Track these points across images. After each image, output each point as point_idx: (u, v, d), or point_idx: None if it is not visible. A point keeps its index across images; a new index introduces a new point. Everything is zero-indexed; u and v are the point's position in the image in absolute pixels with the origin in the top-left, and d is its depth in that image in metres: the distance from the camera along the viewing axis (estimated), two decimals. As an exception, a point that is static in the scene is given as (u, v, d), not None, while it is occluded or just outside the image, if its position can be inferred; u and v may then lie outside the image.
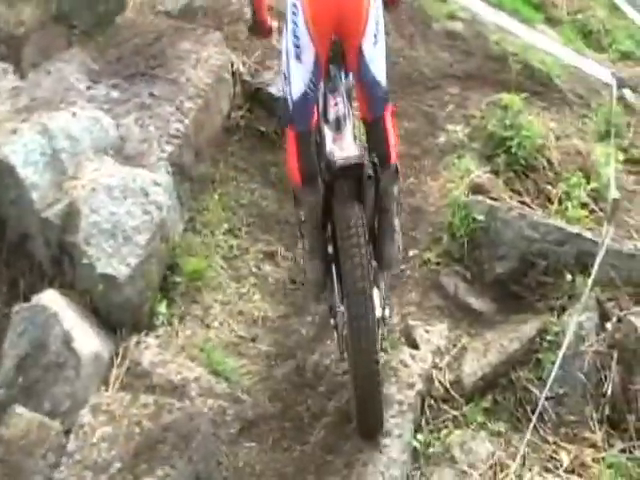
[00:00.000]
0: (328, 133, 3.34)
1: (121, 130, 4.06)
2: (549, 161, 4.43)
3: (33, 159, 3.68)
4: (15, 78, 4.43)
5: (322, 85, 3.33)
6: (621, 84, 5.50)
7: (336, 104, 3.36)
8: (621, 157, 4.66)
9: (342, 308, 3.09)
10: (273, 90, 4.65)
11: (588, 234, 3.83)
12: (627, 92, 5.50)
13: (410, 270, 3.99)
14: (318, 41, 3.04)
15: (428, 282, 3.93)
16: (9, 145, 3.68)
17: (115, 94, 4.31)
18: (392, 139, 3.32)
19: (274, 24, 3.53)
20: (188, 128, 4.12)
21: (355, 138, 3.41)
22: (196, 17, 4.98)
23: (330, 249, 3.24)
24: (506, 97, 4.82)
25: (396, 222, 3.36)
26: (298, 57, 3.05)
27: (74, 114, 3.96)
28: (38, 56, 4.88)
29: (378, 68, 3.15)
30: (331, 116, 3.37)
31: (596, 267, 3.43)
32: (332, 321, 3.31)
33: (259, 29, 3.56)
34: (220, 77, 4.51)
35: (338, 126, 3.36)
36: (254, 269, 3.98)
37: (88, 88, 4.33)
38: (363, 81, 3.19)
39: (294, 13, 3.00)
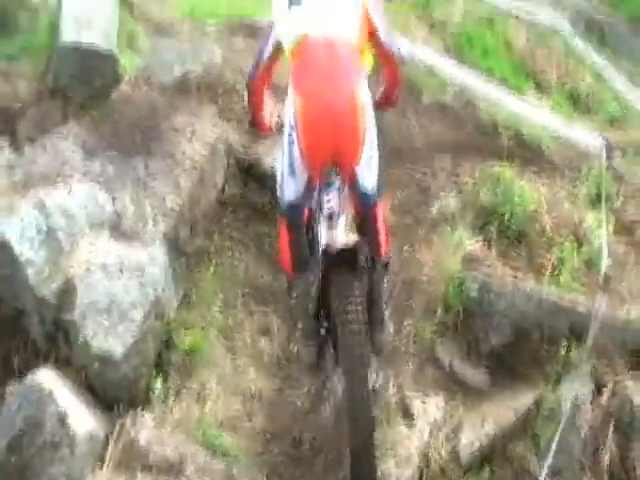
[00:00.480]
0: (323, 225, 3.54)
1: (117, 205, 4.16)
2: (542, 228, 4.56)
3: (29, 235, 3.78)
4: (11, 152, 4.56)
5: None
6: (610, 150, 5.70)
7: (329, 201, 3.55)
8: (612, 223, 4.80)
9: (338, 382, 3.19)
10: (267, 163, 4.80)
11: (581, 304, 3.93)
12: (616, 157, 5.67)
13: (405, 342, 4.07)
14: (311, 168, 3.27)
15: (424, 354, 4.02)
16: (5, 221, 3.78)
17: (111, 168, 4.41)
18: (382, 234, 3.50)
19: (275, 120, 3.71)
20: (183, 203, 4.23)
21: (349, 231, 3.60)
22: (190, 90, 5.11)
23: (323, 331, 3.41)
24: (497, 166, 5.00)
25: (385, 312, 3.57)
26: (292, 174, 3.28)
27: (70, 190, 4.08)
28: (34, 130, 5.01)
29: (370, 180, 3.34)
30: (325, 212, 3.57)
31: (590, 337, 3.53)
32: (325, 392, 3.40)
33: (259, 128, 3.82)
34: (215, 150, 4.65)
35: (331, 220, 3.57)
36: (249, 343, 4.06)
37: (84, 162, 4.43)
38: (355, 193, 3.39)
39: (290, 142, 3.23)
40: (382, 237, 3.50)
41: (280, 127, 3.59)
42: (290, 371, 3.96)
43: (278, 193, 3.44)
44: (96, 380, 3.55)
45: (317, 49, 3.28)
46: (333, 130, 3.18)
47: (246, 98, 3.73)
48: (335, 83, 3.23)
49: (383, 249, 3.48)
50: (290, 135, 3.23)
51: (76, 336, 3.55)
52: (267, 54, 3.51)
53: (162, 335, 3.80)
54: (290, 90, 3.31)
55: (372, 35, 3.45)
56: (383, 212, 3.51)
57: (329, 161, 3.28)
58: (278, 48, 3.46)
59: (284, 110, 3.48)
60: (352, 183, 3.34)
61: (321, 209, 3.54)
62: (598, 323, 3.61)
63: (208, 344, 3.94)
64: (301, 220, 3.46)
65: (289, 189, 3.34)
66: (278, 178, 3.43)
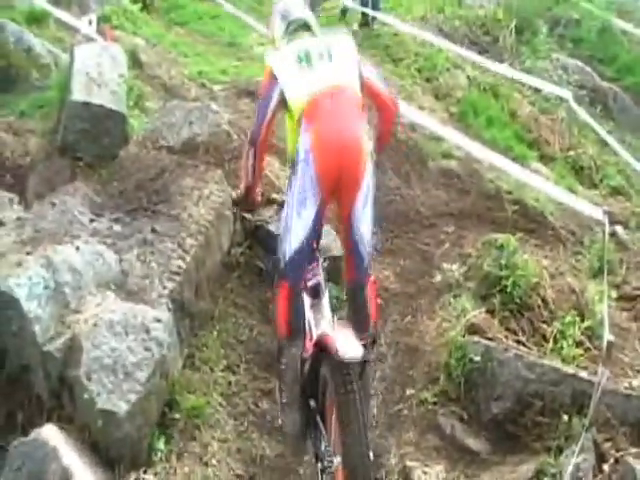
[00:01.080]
0: (306, 299, 3.75)
1: (123, 265, 4.31)
2: (544, 300, 4.70)
3: (37, 292, 3.91)
4: (20, 208, 4.75)
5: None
6: (613, 221, 5.90)
7: (315, 274, 3.82)
8: (614, 294, 4.97)
9: (337, 459, 3.26)
10: (272, 228, 4.97)
11: (584, 374, 4.06)
12: (619, 228, 5.89)
13: (407, 410, 4.20)
14: (323, 189, 3.53)
15: (425, 422, 4.14)
16: (13, 277, 3.89)
17: (118, 228, 4.58)
18: (372, 308, 3.74)
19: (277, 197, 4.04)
20: (189, 265, 4.37)
21: (332, 310, 3.81)
22: (198, 153, 5.33)
23: (313, 403, 3.52)
24: (501, 236, 5.18)
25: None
26: (299, 214, 3.53)
27: (78, 248, 4.22)
28: (42, 186, 5.23)
29: (364, 231, 3.64)
30: (310, 283, 3.80)
31: (592, 408, 3.66)
32: (319, 465, 3.49)
33: (248, 204, 4.11)
34: (221, 214, 4.82)
35: (316, 294, 3.82)
36: (252, 406, 4.17)
37: (91, 221, 4.61)
38: (350, 241, 3.68)
39: (306, 164, 3.51)
40: (371, 311, 3.73)
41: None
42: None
43: (280, 253, 3.65)
44: (99, 438, 3.63)
45: (325, 95, 3.63)
46: (341, 159, 3.54)
47: (249, 161, 3.87)
48: (345, 122, 3.62)
49: (370, 323, 3.70)
50: (305, 160, 3.52)
51: (81, 393, 3.65)
52: (271, 110, 3.76)
53: (166, 395, 3.90)
54: (304, 129, 3.58)
55: (368, 87, 3.86)
56: (377, 285, 3.74)
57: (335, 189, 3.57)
58: (280, 102, 3.74)
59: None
60: (348, 228, 3.63)
61: (306, 283, 3.76)
62: (600, 394, 3.72)
63: (211, 406, 4.05)
64: (300, 282, 3.68)
65: (296, 232, 3.57)
66: (281, 235, 3.65)
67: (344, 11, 10.27)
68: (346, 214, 3.65)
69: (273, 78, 3.73)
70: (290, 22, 3.96)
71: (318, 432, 3.51)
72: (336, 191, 3.61)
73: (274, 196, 4.04)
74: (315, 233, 3.65)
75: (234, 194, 4.35)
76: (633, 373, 4.23)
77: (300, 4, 4.10)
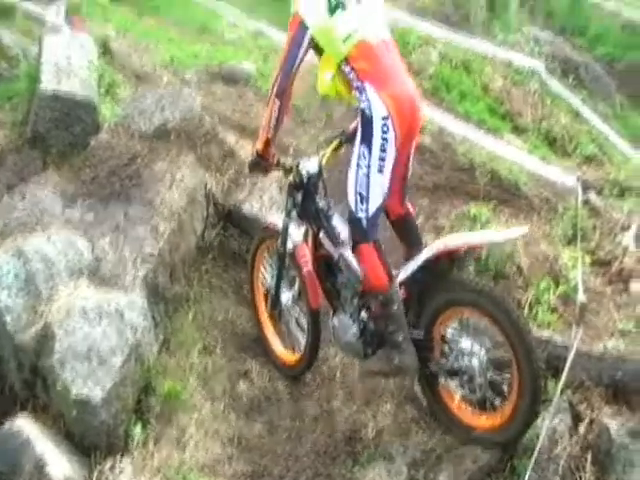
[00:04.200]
0: (348, 252, 3.80)
1: (96, 252, 4.24)
2: (518, 267, 4.67)
3: (7, 282, 3.86)
4: (-10, 200, 4.62)
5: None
6: (586, 188, 5.85)
7: (338, 224, 3.92)
8: (588, 259, 4.92)
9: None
10: (246, 208, 4.93)
11: (558, 338, 4.02)
12: (592, 195, 5.82)
13: (384, 382, 4.13)
14: (402, 146, 3.64)
15: (403, 393, 4.08)
16: (-17, 269, 3.80)
17: (90, 216, 4.52)
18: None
19: (286, 161, 3.99)
20: (162, 249, 4.31)
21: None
22: (170, 138, 5.21)
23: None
24: (474, 207, 5.13)
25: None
26: (381, 170, 3.58)
27: (49, 237, 4.16)
28: (13, 178, 5.11)
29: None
30: (342, 236, 3.87)
31: (566, 370, 3.61)
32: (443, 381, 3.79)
33: (263, 163, 3.98)
34: (194, 198, 4.76)
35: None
36: (229, 388, 4.10)
37: (63, 210, 4.54)
38: (404, 180, 3.92)
39: (385, 131, 3.55)
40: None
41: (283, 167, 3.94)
42: (270, 416, 3.99)
43: (357, 214, 3.64)
44: (75, 426, 3.58)
45: (380, 51, 3.66)
46: (414, 120, 3.68)
47: (274, 113, 3.76)
48: (408, 82, 3.72)
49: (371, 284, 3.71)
50: (383, 125, 3.54)
51: (54, 382, 3.58)
52: (300, 59, 3.70)
53: (141, 381, 3.83)
54: (372, 90, 3.56)
55: None
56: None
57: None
58: (308, 50, 3.70)
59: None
60: (405, 168, 3.86)
61: (337, 234, 3.88)
62: (574, 356, 3.68)
63: (187, 390, 3.98)
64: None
65: (376, 191, 3.61)
66: (360, 193, 3.62)
67: None
68: (406, 154, 3.81)
69: (302, 27, 3.65)
70: None
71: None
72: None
73: (283, 160, 3.96)
74: (391, 187, 3.71)
75: (250, 158, 4.21)
76: (607, 335, 4.17)
77: None
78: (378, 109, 3.56)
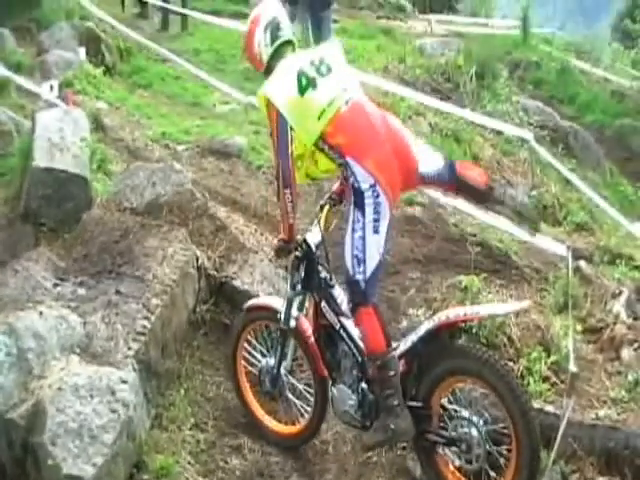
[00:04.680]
0: (349, 322, 3.96)
1: (88, 328, 4.34)
2: (509, 338, 4.78)
3: (-1, 360, 3.93)
4: (-19, 277, 4.72)
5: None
6: (576, 256, 6.01)
7: (339, 294, 4.07)
8: (579, 328, 5.04)
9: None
10: (238, 283, 5.08)
11: (550, 408, 4.13)
12: (582, 263, 5.98)
13: (377, 456, 4.23)
14: (392, 202, 3.77)
15: (395, 467, 4.17)
16: (-26, 348, 3.90)
17: (82, 292, 4.64)
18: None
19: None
20: (154, 324, 4.41)
21: None
22: (162, 213, 5.39)
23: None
24: (465, 278, 5.27)
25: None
26: (376, 230, 3.72)
27: (41, 313, 4.26)
28: (5, 254, 5.26)
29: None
30: (343, 306, 4.02)
31: (558, 440, 3.71)
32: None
33: (289, 246, 4.08)
34: (185, 272, 4.88)
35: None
36: (221, 463, 4.17)
37: (55, 286, 4.66)
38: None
39: (376, 196, 3.70)
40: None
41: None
42: (263, 490, 4.07)
43: (355, 278, 3.76)
44: (66, 504, 3.63)
45: (355, 117, 3.80)
46: (404, 173, 3.82)
47: (287, 203, 3.84)
48: (391, 140, 3.83)
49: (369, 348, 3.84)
50: (372, 192, 3.69)
51: (45, 459, 3.65)
52: (290, 144, 3.80)
53: (133, 456, 3.91)
54: (355, 164, 3.72)
55: None
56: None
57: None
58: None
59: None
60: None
61: (338, 304, 4.02)
62: (566, 426, 3.78)
63: (180, 466, 4.04)
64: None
65: (372, 251, 3.73)
66: (357, 256, 3.75)
67: None
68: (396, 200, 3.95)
69: (279, 114, 3.78)
70: (278, 37, 3.95)
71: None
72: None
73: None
74: (386, 246, 3.83)
75: (274, 244, 4.34)
76: (599, 404, 4.29)
77: (284, 14, 4.06)
78: (365, 180, 3.70)
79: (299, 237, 4.08)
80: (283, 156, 3.81)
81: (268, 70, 3.96)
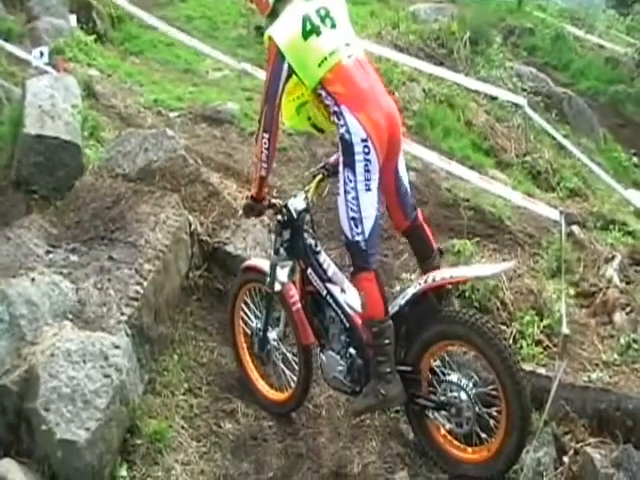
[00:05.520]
0: (335, 288, 3.94)
1: (80, 294, 4.30)
2: (502, 302, 4.79)
3: (-10, 326, 3.90)
4: (-27, 244, 4.69)
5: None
6: (569, 221, 6.00)
7: (325, 260, 4.03)
8: (572, 292, 5.05)
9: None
10: (231, 248, 5.03)
11: (542, 370, 4.13)
12: (575, 228, 5.98)
13: (370, 419, 4.23)
14: (381, 160, 3.73)
15: (388, 430, 4.17)
16: (-34, 313, 3.87)
17: (74, 258, 4.58)
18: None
19: (277, 202, 4.04)
20: (147, 290, 4.37)
21: None
22: (154, 179, 5.34)
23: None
24: (458, 242, 5.25)
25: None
26: (368, 188, 3.68)
27: (33, 280, 4.21)
28: (-3, 222, 5.21)
29: (406, 181, 4.02)
30: (330, 272, 3.99)
31: (549, 402, 3.71)
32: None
33: (258, 206, 4.02)
34: (178, 238, 4.83)
35: (341, 276, 4.03)
36: (215, 427, 4.15)
37: (47, 253, 4.60)
38: (399, 192, 3.97)
39: (366, 152, 3.66)
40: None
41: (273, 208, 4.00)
42: (256, 455, 4.05)
43: (354, 238, 3.72)
44: (59, 469, 3.60)
45: (355, 72, 3.76)
46: (393, 135, 3.78)
47: (264, 151, 3.77)
48: (385, 98, 3.82)
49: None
50: (363, 147, 3.65)
51: (39, 425, 3.62)
52: (282, 90, 3.76)
53: (127, 422, 3.88)
54: (349, 114, 3.66)
55: None
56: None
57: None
58: (288, 77, 3.77)
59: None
60: (395, 182, 3.93)
61: (327, 275, 3.98)
62: (558, 388, 3.77)
63: (173, 430, 4.03)
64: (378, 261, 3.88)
65: (368, 208, 3.70)
66: (353, 216, 3.70)
67: None
68: (392, 171, 3.90)
69: (280, 57, 3.72)
70: None
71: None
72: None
73: (273, 201, 4.05)
74: (382, 200, 3.82)
75: (244, 200, 4.27)
76: (592, 367, 4.29)
77: None
78: (357, 132, 3.65)
79: (279, 201, 4.04)
80: (271, 99, 3.75)
81: (273, 13, 3.90)
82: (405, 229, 4.09)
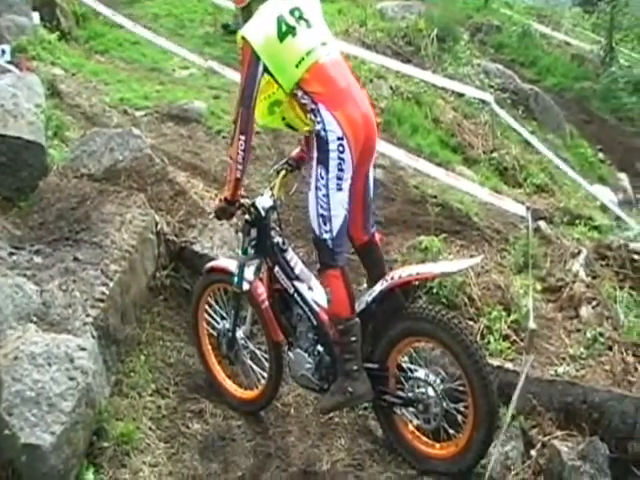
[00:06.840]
0: (302, 286, 3.94)
1: (45, 296, 4.23)
2: (470, 297, 4.82)
3: (-49, 332, 3.84)
4: None
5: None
6: (536, 217, 6.06)
7: (293, 258, 4.03)
8: (539, 287, 5.10)
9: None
10: (198, 248, 5.01)
11: (509, 365, 4.16)
12: (542, 224, 6.05)
13: (339, 417, 4.23)
14: (355, 161, 3.70)
15: (357, 427, 4.18)
16: None
17: (38, 260, 4.51)
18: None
19: (245, 201, 3.99)
20: (113, 291, 4.33)
21: None
22: (120, 179, 5.29)
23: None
24: (426, 239, 5.27)
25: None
26: (340, 188, 3.67)
27: (-5, 283, 4.17)
28: (-41, 226, 5.12)
29: (372, 192, 4.03)
30: (297, 270, 3.99)
31: (515, 396, 3.74)
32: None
33: (230, 207, 3.97)
34: (144, 238, 4.79)
35: (309, 274, 4.03)
36: (183, 428, 4.12)
37: (10, 255, 4.53)
38: (366, 200, 3.97)
39: (341, 151, 3.63)
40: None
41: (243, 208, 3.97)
42: (225, 455, 4.02)
43: (322, 236, 3.73)
44: (24, 473, 3.53)
45: (332, 71, 3.74)
46: (368, 137, 3.77)
47: (240, 152, 3.73)
48: (362, 100, 3.80)
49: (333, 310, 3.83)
50: (339, 145, 3.63)
51: (2, 429, 3.56)
52: (257, 91, 3.71)
53: (93, 424, 3.84)
54: (326, 112, 3.63)
55: None
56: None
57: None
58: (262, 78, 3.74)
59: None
60: (365, 189, 3.92)
61: (294, 273, 3.98)
62: (525, 382, 3.80)
63: (140, 432, 3.99)
64: (346, 260, 3.88)
65: (338, 208, 3.70)
66: (322, 214, 3.71)
67: None
68: (364, 174, 3.89)
69: (254, 58, 3.69)
70: None
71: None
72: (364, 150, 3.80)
73: (242, 200, 4.02)
74: (350, 204, 3.79)
75: (216, 203, 4.27)
76: (559, 361, 4.34)
77: None
78: (333, 130, 3.63)
79: (247, 201, 4.01)
80: (246, 101, 3.71)
81: (247, 8, 3.88)
82: (361, 244, 4.07)
